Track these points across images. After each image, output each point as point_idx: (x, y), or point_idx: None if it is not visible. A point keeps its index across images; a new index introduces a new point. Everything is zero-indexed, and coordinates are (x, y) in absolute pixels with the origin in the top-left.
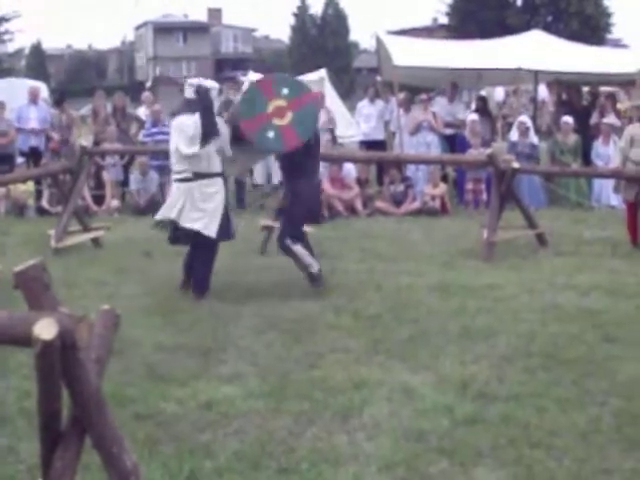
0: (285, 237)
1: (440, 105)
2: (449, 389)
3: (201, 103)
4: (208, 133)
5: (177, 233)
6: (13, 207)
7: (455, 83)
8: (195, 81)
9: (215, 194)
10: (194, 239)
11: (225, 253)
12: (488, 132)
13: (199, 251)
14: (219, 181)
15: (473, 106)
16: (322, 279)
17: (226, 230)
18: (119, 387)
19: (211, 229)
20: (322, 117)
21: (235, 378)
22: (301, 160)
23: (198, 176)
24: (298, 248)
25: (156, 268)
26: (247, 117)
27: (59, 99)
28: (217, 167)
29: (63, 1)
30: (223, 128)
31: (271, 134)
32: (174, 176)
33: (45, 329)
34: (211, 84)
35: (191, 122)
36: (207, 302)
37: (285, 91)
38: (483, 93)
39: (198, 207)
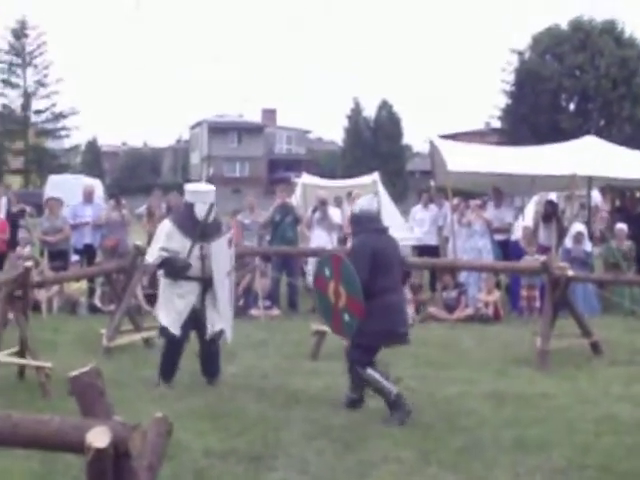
0: (354, 360)
1: (489, 211)
2: None
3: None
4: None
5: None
6: (65, 304)
7: (498, 189)
8: (191, 187)
9: (183, 295)
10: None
11: (276, 356)
12: (554, 238)
13: (164, 341)
14: (191, 284)
15: (527, 212)
16: (406, 404)
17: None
18: None
19: (174, 327)
20: None
21: None
22: (369, 278)
23: (169, 274)
24: (369, 374)
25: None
26: (330, 322)
27: (114, 195)
28: (192, 271)
29: (119, 99)
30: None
31: (346, 317)
32: None
33: (98, 437)
34: (206, 188)
35: (160, 233)
36: (257, 406)
37: (327, 272)
38: (552, 198)
39: (165, 304)
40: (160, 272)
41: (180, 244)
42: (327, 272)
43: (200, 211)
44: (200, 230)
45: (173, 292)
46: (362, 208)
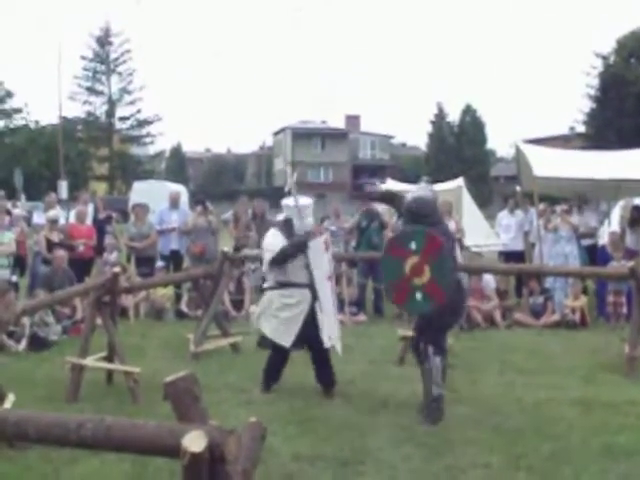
0: (425, 342)
1: (574, 216)
2: None
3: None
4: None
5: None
6: (151, 310)
7: (583, 194)
8: (291, 202)
9: (294, 304)
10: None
11: (363, 361)
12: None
13: (272, 351)
14: (302, 292)
15: (613, 217)
16: (441, 409)
17: (302, 340)
18: None
19: (284, 338)
20: (451, 226)
21: None
22: None
23: (280, 285)
24: (437, 362)
25: (293, 375)
26: (392, 281)
27: (200, 204)
28: (301, 278)
29: (203, 105)
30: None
31: (418, 296)
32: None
33: (194, 441)
34: (305, 202)
35: (276, 243)
36: (343, 411)
37: (413, 245)
38: (638, 202)
39: (274, 315)
40: (267, 284)
41: None
42: (413, 246)
43: (302, 225)
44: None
45: (283, 302)
46: (416, 196)
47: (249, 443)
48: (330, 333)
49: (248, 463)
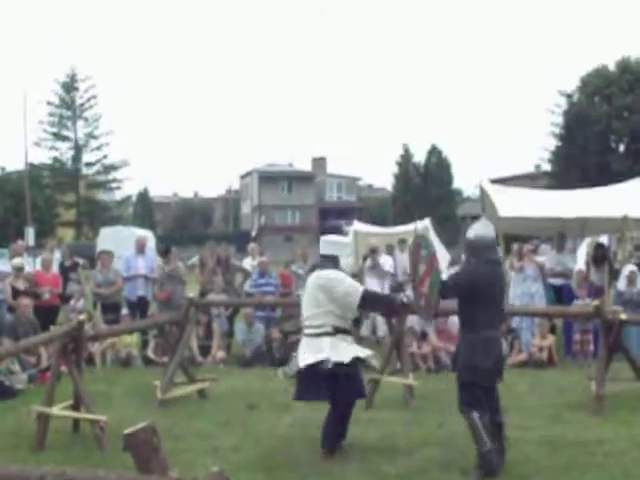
0: (462, 401)
1: (549, 255)
2: None
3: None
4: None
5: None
6: (118, 357)
7: (563, 233)
8: (339, 239)
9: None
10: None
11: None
12: (605, 280)
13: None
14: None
15: (579, 255)
16: (493, 463)
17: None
18: None
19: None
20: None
21: None
22: (469, 311)
23: (337, 331)
24: (474, 417)
25: (260, 421)
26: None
27: (165, 251)
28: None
29: (170, 150)
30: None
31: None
32: (308, 330)
33: None
34: (345, 240)
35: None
36: (312, 457)
37: (424, 252)
38: (603, 241)
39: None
40: (318, 329)
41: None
42: (423, 253)
43: (345, 263)
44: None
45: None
46: (478, 234)
47: None
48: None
49: None
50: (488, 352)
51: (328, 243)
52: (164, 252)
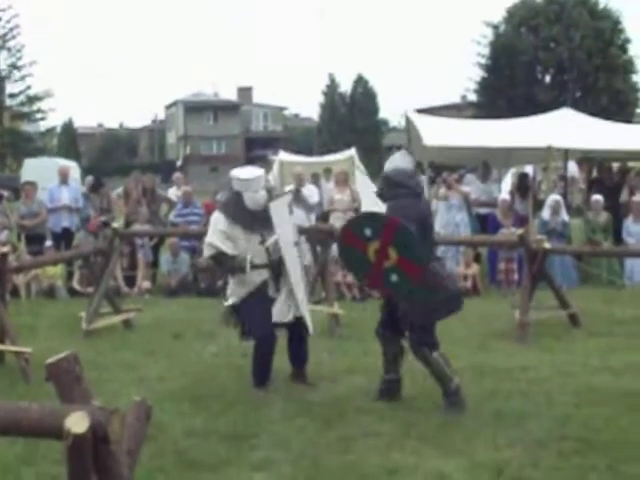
0: (419, 342)
1: (474, 184)
2: (483, 474)
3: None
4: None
5: None
6: (43, 288)
7: (487, 162)
8: (242, 174)
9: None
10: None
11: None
12: (530, 210)
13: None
14: (261, 273)
15: (504, 185)
16: (460, 398)
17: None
18: (150, 473)
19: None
20: (346, 197)
21: (267, 464)
22: None
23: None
24: (436, 357)
25: (186, 350)
26: (363, 276)
27: (95, 184)
28: (259, 260)
29: (94, 80)
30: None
31: (394, 277)
32: None
33: (77, 422)
34: (253, 175)
35: (214, 238)
36: (237, 385)
37: (368, 232)
38: (528, 171)
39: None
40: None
41: (243, 237)
42: (367, 232)
43: (250, 200)
44: (255, 218)
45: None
46: (397, 167)
47: (133, 422)
48: (300, 305)
49: (133, 443)
50: (441, 285)
51: (233, 179)
52: (94, 187)
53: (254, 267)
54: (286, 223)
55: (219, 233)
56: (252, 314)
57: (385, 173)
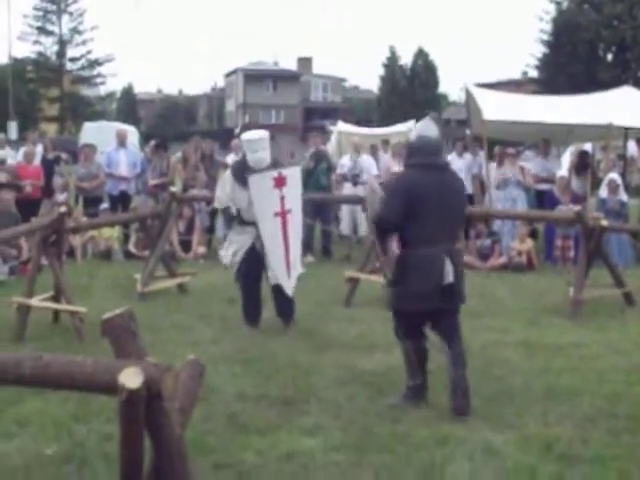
0: (395, 329)
1: (534, 161)
2: (532, 449)
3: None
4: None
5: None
6: (99, 250)
7: (547, 139)
8: (245, 136)
9: (242, 233)
10: None
11: (309, 302)
12: (587, 188)
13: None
14: (249, 227)
15: (563, 161)
16: (416, 399)
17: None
18: (200, 435)
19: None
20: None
21: (317, 430)
22: (404, 225)
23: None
24: (407, 347)
25: (239, 315)
26: None
27: (160, 145)
28: (249, 218)
29: (155, 46)
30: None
31: None
32: None
33: (131, 378)
34: (256, 136)
35: (222, 194)
36: (288, 350)
37: None
38: (587, 148)
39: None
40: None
41: (240, 194)
42: None
43: (253, 160)
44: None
45: (235, 232)
46: (420, 134)
47: (187, 380)
48: (275, 270)
49: (186, 400)
50: (424, 273)
51: (241, 141)
52: (158, 146)
53: (245, 223)
54: (266, 196)
55: (228, 187)
56: (240, 264)
57: (409, 141)
